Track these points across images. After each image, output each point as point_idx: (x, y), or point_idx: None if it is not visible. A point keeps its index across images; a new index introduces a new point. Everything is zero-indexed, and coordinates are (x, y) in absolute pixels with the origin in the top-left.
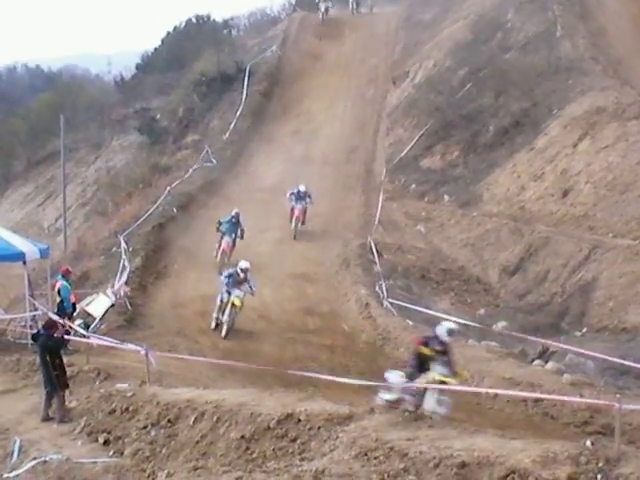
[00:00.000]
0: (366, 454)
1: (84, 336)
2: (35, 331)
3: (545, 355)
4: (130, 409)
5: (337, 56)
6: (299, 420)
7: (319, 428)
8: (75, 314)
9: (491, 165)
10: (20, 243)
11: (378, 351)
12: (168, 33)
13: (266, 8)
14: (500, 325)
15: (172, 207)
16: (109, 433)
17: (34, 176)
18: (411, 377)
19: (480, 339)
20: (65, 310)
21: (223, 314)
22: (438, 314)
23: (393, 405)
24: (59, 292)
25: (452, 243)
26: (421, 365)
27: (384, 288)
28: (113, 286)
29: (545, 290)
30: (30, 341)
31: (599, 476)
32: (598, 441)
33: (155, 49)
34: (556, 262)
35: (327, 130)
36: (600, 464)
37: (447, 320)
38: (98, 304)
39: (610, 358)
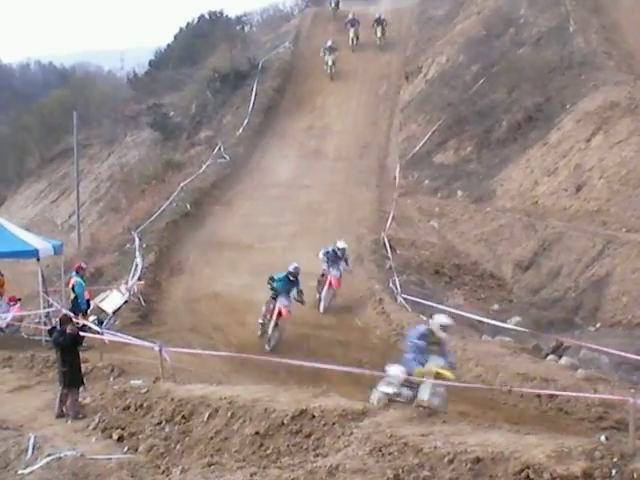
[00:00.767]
0: (380, 450)
1: (98, 332)
2: (50, 327)
3: (559, 350)
4: (144, 405)
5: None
6: (313, 416)
7: (333, 424)
8: (89, 311)
9: (504, 160)
10: (34, 240)
11: (392, 347)
12: (181, 29)
13: (279, 4)
14: (514, 320)
15: (185, 203)
16: (123, 429)
17: (47, 173)
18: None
19: (494, 334)
20: (79, 307)
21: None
22: (452, 309)
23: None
24: (73, 289)
25: (465, 238)
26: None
27: (398, 283)
28: (127, 282)
29: (559, 285)
30: (45, 337)
31: (614, 471)
32: (613, 436)
33: (168, 45)
34: (570, 257)
35: (340, 126)
36: (615, 459)
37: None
38: (112, 300)
39: (624, 353)
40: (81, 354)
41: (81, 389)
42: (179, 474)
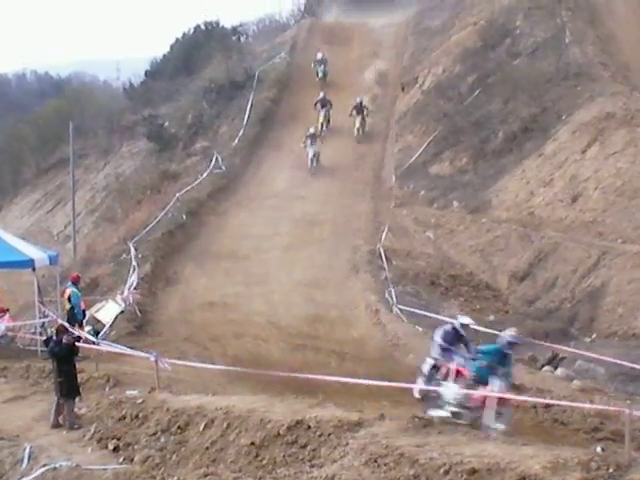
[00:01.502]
0: (376, 460)
1: (94, 343)
2: (46, 337)
3: (555, 361)
4: (140, 416)
5: (345, 62)
6: (309, 427)
7: (329, 435)
8: (85, 321)
9: (500, 171)
10: (29, 250)
11: (388, 357)
12: (177, 39)
13: (275, 15)
14: (509, 331)
15: (181, 214)
16: (119, 440)
17: (43, 183)
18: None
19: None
20: (76, 317)
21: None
22: (448, 320)
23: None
24: (69, 299)
25: (461, 249)
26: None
27: (393, 294)
28: (122, 293)
29: (554, 296)
30: (41, 348)
31: None
32: (608, 447)
33: (164, 55)
34: (565, 268)
35: (336, 136)
36: (610, 470)
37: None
38: (107, 311)
39: (620, 363)
40: (77, 364)
41: (77, 399)
42: None
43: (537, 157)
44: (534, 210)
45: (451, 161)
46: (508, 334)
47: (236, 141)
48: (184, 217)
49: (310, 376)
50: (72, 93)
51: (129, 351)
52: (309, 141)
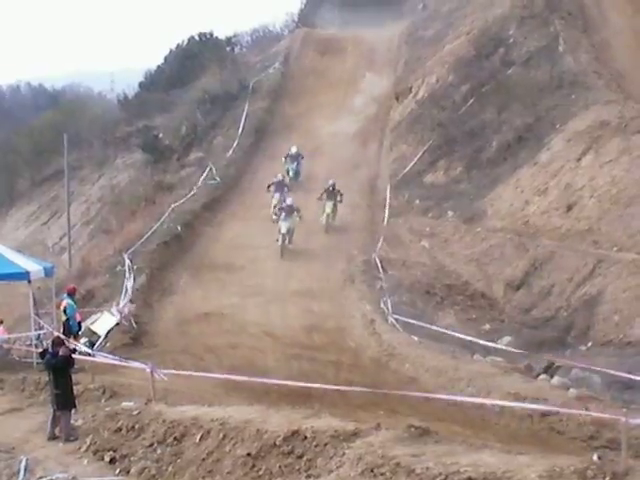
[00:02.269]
0: (372, 470)
1: (89, 354)
2: (42, 349)
3: (551, 370)
4: (136, 427)
5: (340, 72)
6: (305, 437)
7: (325, 445)
8: (80, 332)
9: (494, 180)
10: (25, 262)
11: (384, 367)
12: (171, 51)
13: (269, 25)
14: (505, 340)
15: (176, 225)
16: (115, 451)
17: (38, 195)
18: None
19: (485, 354)
20: (71, 329)
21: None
22: (443, 329)
23: None
24: (65, 311)
25: (456, 258)
26: None
27: (389, 304)
28: (118, 304)
29: (550, 305)
30: (37, 360)
31: None
32: (605, 455)
33: (158, 67)
34: (561, 276)
35: (330, 146)
36: (607, 478)
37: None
38: (103, 322)
39: (616, 372)
40: (73, 376)
41: (73, 411)
42: None
43: (532, 166)
44: (529, 219)
45: (445, 170)
46: None
47: (231, 152)
48: (179, 228)
49: (304, 384)
50: (66, 105)
51: (125, 362)
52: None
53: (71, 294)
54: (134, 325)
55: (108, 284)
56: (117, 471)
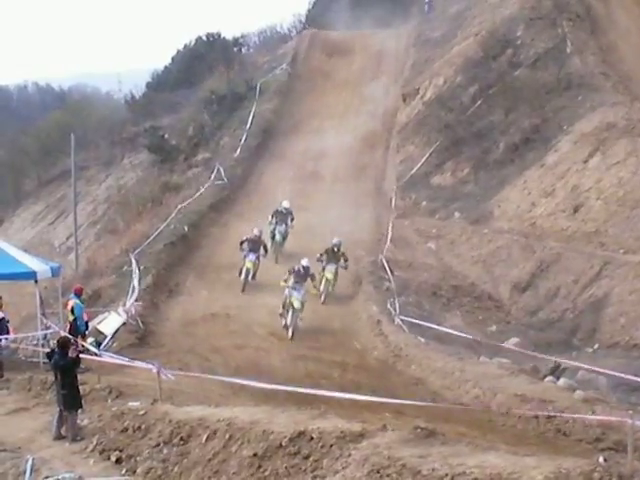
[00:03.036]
0: (378, 471)
1: (96, 354)
2: (49, 350)
3: (557, 372)
4: (142, 427)
5: (347, 73)
6: (311, 438)
7: (331, 446)
8: (87, 332)
9: (502, 182)
10: (31, 262)
11: (390, 368)
12: (178, 51)
13: (276, 26)
14: (512, 342)
15: (183, 225)
16: (121, 451)
17: (45, 195)
18: None
19: (492, 356)
20: (78, 329)
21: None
22: (449, 330)
23: None
24: (72, 311)
25: (463, 260)
26: None
27: (396, 305)
28: (124, 304)
29: (556, 306)
30: (43, 359)
31: None
32: (611, 458)
33: (165, 67)
34: (567, 278)
35: (337, 147)
36: None
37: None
38: (110, 322)
39: (622, 374)
40: (79, 376)
41: (79, 411)
42: None
43: (539, 167)
44: (536, 220)
45: (452, 172)
46: None
47: (237, 152)
48: (186, 229)
49: (311, 391)
50: (74, 105)
51: (131, 362)
52: (292, 280)
53: (78, 294)
54: (141, 325)
55: (115, 284)
56: (123, 471)
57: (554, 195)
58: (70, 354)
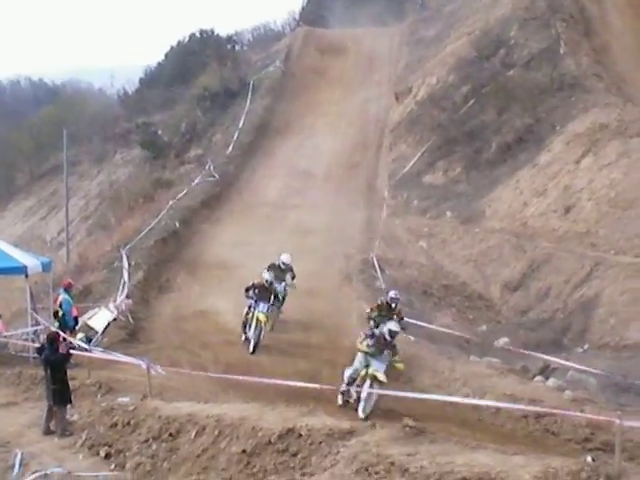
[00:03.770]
0: (367, 469)
1: (86, 350)
2: (39, 345)
3: (546, 372)
4: (131, 423)
5: (340, 71)
6: (300, 435)
7: (320, 443)
8: (77, 328)
9: (493, 181)
10: (22, 257)
11: None
12: (172, 47)
13: (270, 23)
14: (502, 341)
15: (174, 221)
16: (110, 447)
17: (37, 189)
18: None
19: (481, 355)
20: (67, 324)
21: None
22: (440, 329)
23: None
24: (60, 306)
25: (454, 259)
26: None
27: None
28: (115, 300)
29: (547, 306)
30: (33, 354)
31: None
32: (599, 457)
33: (159, 63)
34: (558, 278)
35: (330, 145)
36: None
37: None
38: (100, 318)
39: (612, 375)
40: (69, 371)
41: (69, 406)
42: None
43: (531, 167)
44: (527, 220)
45: (445, 171)
46: None
47: (230, 149)
48: (177, 225)
49: (299, 384)
50: (66, 100)
51: (121, 358)
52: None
53: (67, 289)
54: (131, 321)
55: (105, 280)
56: (112, 466)
57: (546, 195)
58: (61, 350)
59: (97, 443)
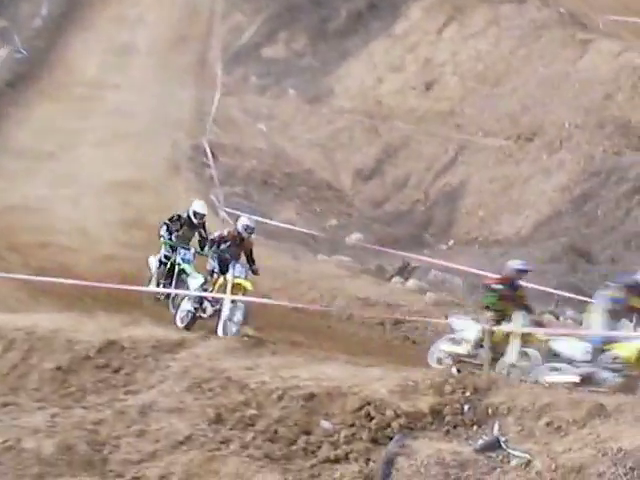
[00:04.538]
0: (200, 386)
1: None
2: None
3: (405, 271)
4: None
5: None
6: (123, 348)
7: (146, 357)
8: None
9: (343, 55)
10: None
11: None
12: None
13: None
14: (354, 237)
15: None
16: None
17: None
18: None
19: (331, 253)
20: None
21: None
22: (282, 225)
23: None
24: None
25: (298, 144)
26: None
27: (220, 195)
28: None
29: (405, 197)
30: None
31: (466, 407)
32: (465, 368)
33: None
34: (418, 165)
35: (155, 15)
36: (467, 394)
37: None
38: None
39: (480, 273)
40: None
41: None
42: None
43: (385, 38)
44: (382, 99)
45: (287, 43)
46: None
47: (39, 21)
48: None
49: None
50: None
51: None
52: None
53: None
54: None
55: None
56: None
57: (403, 70)
58: None
59: None
